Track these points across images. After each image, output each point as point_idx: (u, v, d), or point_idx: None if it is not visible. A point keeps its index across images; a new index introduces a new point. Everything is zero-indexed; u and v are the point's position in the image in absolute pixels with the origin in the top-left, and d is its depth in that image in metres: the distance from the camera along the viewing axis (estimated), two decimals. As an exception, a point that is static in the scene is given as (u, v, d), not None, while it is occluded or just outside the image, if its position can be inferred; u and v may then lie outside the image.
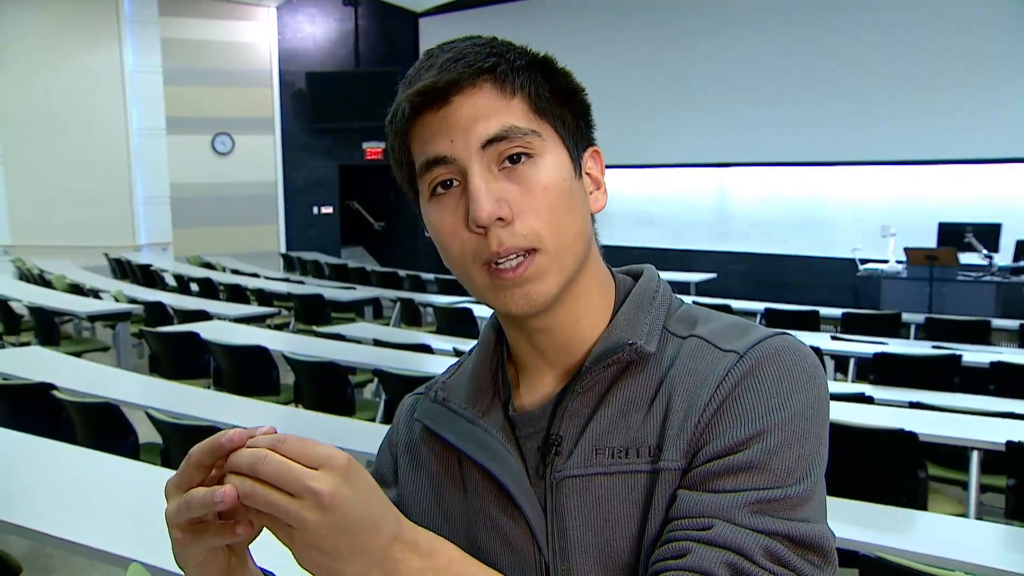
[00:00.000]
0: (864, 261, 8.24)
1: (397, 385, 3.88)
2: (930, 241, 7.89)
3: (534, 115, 0.74)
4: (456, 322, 6.33)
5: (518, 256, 0.73)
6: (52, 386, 3.52)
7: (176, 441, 3.17)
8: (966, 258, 7.47)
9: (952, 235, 7.68)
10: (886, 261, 8.10)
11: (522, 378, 0.83)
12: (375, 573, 0.61)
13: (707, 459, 0.70)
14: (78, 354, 5.20)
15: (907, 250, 7.60)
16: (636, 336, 0.76)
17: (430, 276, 9.48)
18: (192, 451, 0.63)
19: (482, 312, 6.48)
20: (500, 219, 0.72)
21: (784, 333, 0.76)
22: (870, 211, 9.27)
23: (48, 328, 6.21)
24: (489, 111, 0.73)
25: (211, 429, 3.04)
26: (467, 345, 5.21)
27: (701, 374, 0.73)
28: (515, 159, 0.73)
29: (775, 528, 0.67)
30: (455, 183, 0.74)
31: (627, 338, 0.76)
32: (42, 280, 8.48)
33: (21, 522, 2.07)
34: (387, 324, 7.19)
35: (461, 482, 0.83)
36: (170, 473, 0.65)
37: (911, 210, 8.92)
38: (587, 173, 0.80)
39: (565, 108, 0.77)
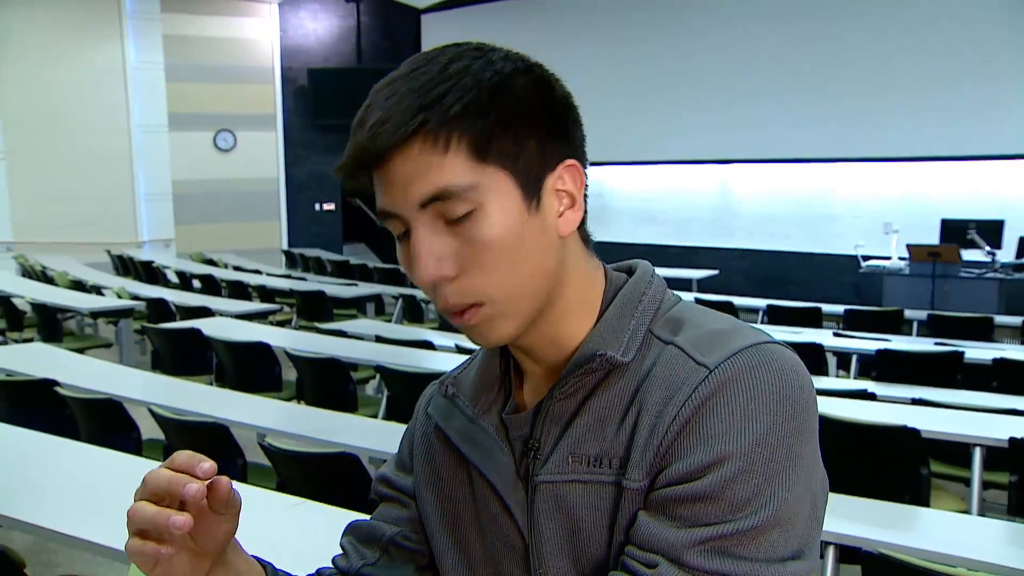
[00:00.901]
0: (867, 258, 8.24)
1: (399, 382, 3.88)
2: (933, 238, 7.89)
3: (476, 162, 0.70)
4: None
5: (467, 308, 0.73)
6: (55, 382, 3.52)
7: (179, 437, 3.17)
8: (969, 255, 7.46)
9: (955, 232, 7.67)
10: (888, 258, 8.09)
11: (524, 377, 0.84)
12: None
13: (665, 484, 0.69)
14: (81, 351, 5.20)
15: (909, 247, 7.59)
16: (612, 346, 0.75)
17: (432, 273, 9.45)
18: (149, 480, 0.70)
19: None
20: (444, 276, 0.71)
21: (767, 342, 0.72)
22: (873, 208, 9.27)
23: (51, 325, 6.21)
24: (421, 171, 0.69)
25: (214, 426, 3.05)
26: (469, 342, 5.20)
27: (672, 388, 0.71)
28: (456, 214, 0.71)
29: (720, 569, 0.66)
30: (409, 231, 0.73)
31: (599, 349, 0.75)
32: (44, 277, 8.49)
33: (25, 518, 2.08)
34: (389, 321, 7.19)
35: (468, 478, 0.84)
36: (171, 474, 0.69)
37: (914, 207, 8.92)
38: (559, 191, 0.75)
39: (524, 135, 0.71)
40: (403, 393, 3.88)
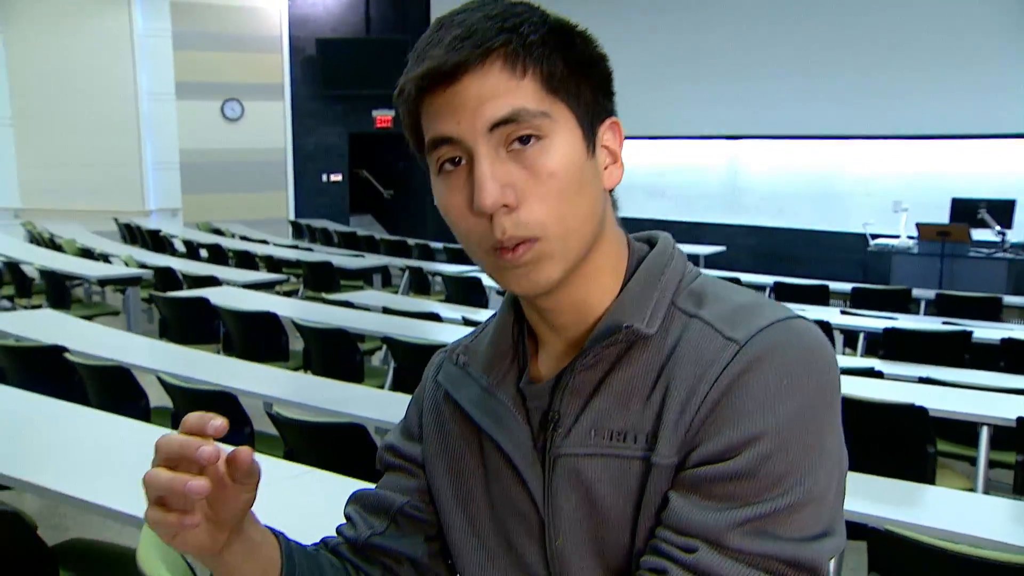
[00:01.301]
0: (875, 236, 8.20)
1: (406, 353, 3.89)
2: (943, 216, 7.83)
3: (546, 94, 0.70)
4: (465, 291, 6.34)
5: (521, 242, 0.71)
6: (64, 349, 3.54)
7: (187, 405, 3.19)
8: (979, 234, 7.41)
9: (965, 211, 7.62)
10: (897, 236, 8.05)
11: (540, 347, 0.82)
12: None
13: (698, 463, 0.69)
14: (89, 318, 5.22)
15: (919, 226, 7.55)
16: (637, 317, 0.74)
17: (439, 245, 9.48)
18: (160, 446, 0.68)
19: (491, 282, 6.47)
20: (505, 206, 0.70)
21: (794, 317, 0.72)
22: (882, 186, 9.21)
23: (59, 291, 6.24)
24: (498, 92, 0.69)
25: (222, 394, 3.06)
26: (476, 314, 5.23)
27: (701, 365, 0.71)
28: (524, 140, 0.70)
29: (762, 550, 0.66)
30: (462, 161, 0.72)
31: (624, 320, 0.74)
32: (52, 244, 8.51)
33: (35, 480, 2.09)
34: (396, 292, 7.20)
35: (479, 447, 0.83)
36: (182, 438, 0.68)
37: (924, 185, 8.86)
38: (604, 146, 0.76)
39: (582, 81, 0.73)
40: (410, 364, 3.89)
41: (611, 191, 0.79)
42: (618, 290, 0.78)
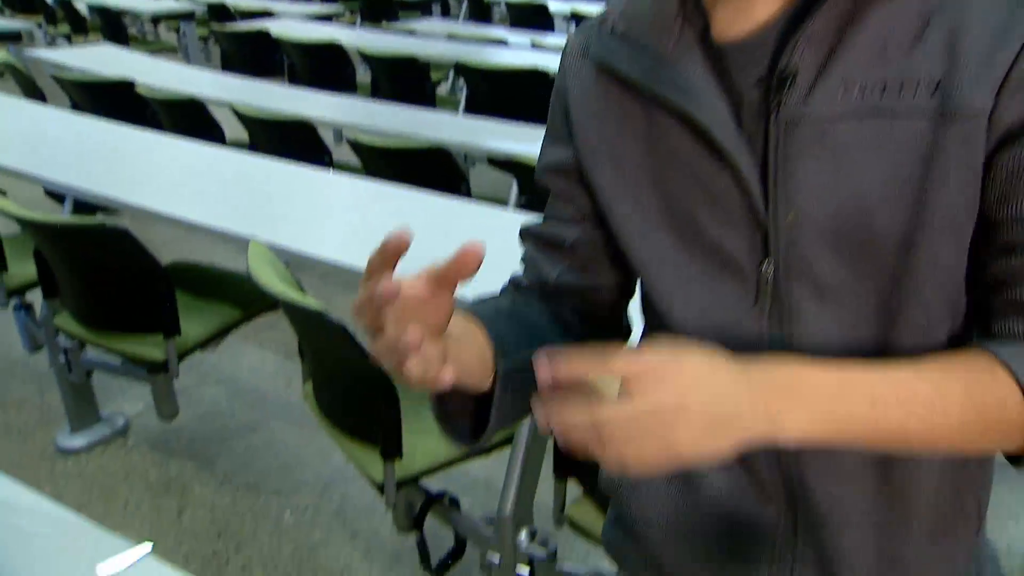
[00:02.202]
0: None
1: (480, 77, 3.77)
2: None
3: None
4: (531, 15, 6.02)
5: None
6: (133, 82, 3.49)
7: (263, 135, 3.16)
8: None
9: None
10: None
11: (717, 3, 0.68)
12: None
13: None
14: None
15: None
16: None
17: (496, -30, 8.92)
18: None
19: (557, 7, 6.10)
20: None
21: None
22: None
23: (115, 27, 6.10)
24: None
25: (298, 123, 3.02)
26: (545, 37, 4.97)
27: None
28: None
29: None
30: None
31: None
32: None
33: (134, 201, 2.12)
34: (456, 20, 6.90)
35: (646, 128, 0.72)
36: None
37: None
38: None
39: None
40: (484, 89, 3.78)
41: None
42: None
